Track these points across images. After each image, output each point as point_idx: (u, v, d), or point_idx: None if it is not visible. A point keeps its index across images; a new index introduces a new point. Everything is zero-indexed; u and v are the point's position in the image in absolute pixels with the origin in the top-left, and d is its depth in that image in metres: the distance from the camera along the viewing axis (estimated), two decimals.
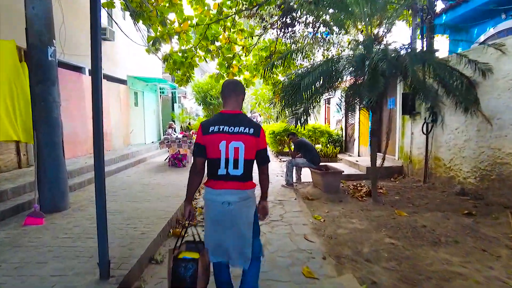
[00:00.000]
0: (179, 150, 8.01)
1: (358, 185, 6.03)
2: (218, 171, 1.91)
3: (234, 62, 8.78)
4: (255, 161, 2.02)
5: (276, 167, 8.69)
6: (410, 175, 6.70)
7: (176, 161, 7.87)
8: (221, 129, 1.89)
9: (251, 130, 1.92)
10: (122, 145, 10.43)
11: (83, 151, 7.98)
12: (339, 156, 9.86)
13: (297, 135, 6.49)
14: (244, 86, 9.69)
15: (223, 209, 1.90)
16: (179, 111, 15.00)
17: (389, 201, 5.02)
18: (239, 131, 1.90)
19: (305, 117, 5.00)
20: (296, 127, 5.34)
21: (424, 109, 5.92)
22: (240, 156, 1.89)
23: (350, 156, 10.10)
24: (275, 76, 9.56)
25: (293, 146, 6.41)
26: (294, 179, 6.40)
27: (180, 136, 8.19)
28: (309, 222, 4.17)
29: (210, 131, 1.90)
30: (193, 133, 11.45)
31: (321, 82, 4.84)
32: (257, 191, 2.07)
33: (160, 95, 15.43)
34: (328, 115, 13.59)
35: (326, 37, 9.12)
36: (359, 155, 9.56)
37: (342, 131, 11.02)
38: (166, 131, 8.64)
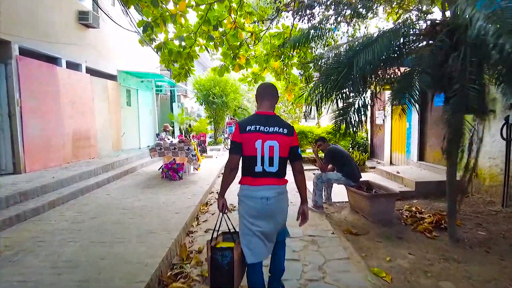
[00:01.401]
0: (174, 159, 6.49)
1: (415, 209, 4.45)
2: (255, 168, 2.02)
3: (241, 51, 7.25)
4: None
5: None
6: (475, 194, 5.10)
7: (170, 172, 6.35)
8: (257, 129, 2.03)
9: (285, 130, 2.08)
10: (111, 150, 8.94)
11: (57, 160, 6.49)
12: (367, 163, 8.29)
13: (327, 140, 4.93)
14: (252, 81, 7.94)
15: (262, 204, 2.02)
16: (179, 111, 13.50)
17: (475, 240, 3.44)
18: (274, 131, 2.05)
19: (359, 116, 3.47)
20: (344, 131, 3.82)
21: (505, 106, 4.35)
22: (275, 154, 2.03)
23: (379, 163, 8.52)
24: (288, 69, 7.99)
25: (322, 156, 4.86)
26: (324, 199, 4.85)
27: (176, 141, 6.66)
28: (369, 284, 2.62)
29: (247, 130, 2.03)
30: (193, 136, 9.94)
31: (380, 60, 3.29)
32: None
33: (158, 94, 13.98)
34: None
35: (334, 32, 7.74)
36: (391, 163, 7.97)
37: (367, 134, 9.43)
38: (159, 135, 7.13)
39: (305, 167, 8.35)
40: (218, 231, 2.20)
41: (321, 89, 3.64)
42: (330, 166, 4.74)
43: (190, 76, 7.97)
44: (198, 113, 14.65)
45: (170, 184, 6.00)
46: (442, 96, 5.76)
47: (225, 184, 2.13)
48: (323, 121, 14.06)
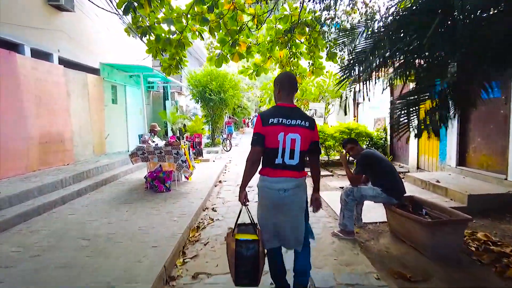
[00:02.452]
0: (160, 166, 5.30)
1: (483, 236, 3.25)
2: (275, 160, 2.02)
3: (242, 38, 6.08)
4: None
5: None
6: None
7: (156, 183, 5.17)
8: (280, 121, 2.00)
9: (307, 123, 2.05)
10: (91, 155, 7.75)
11: (17, 168, 5.29)
12: None
13: (358, 143, 3.72)
14: (254, 74, 6.65)
15: (279, 195, 2.02)
16: (172, 109, 12.30)
17: None
18: (296, 123, 2.02)
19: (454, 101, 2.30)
20: (420, 129, 2.64)
21: None
22: (296, 147, 2.02)
23: (402, 167, 7.34)
24: (296, 60, 6.78)
25: (352, 163, 3.65)
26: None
27: (162, 144, 5.46)
28: None
29: (269, 122, 2.00)
30: (187, 137, 8.76)
31: None
32: None
33: (150, 91, 12.79)
34: (356, 111, 10.84)
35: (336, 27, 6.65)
36: (418, 168, 6.79)
37: (386, 133, 8.26)
38: (143, 136, 5.93)
39: (331, 182, 7.15)
40: (236, 223, 2.22)
41: (382, 53, 2.44)
42: (363, 177, 3.55)
43: (183, 69, 6.74)
44: (194, 111, 13.45)
45: (154, 198, 4.81)
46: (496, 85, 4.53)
47: (248, 177, 2.09)
48: (330, 120, 12.89)
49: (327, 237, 3.49)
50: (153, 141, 5.63)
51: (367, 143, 8.06)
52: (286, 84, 2.14)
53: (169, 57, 5.61)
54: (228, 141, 12.58)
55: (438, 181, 4.82)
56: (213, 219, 4.12)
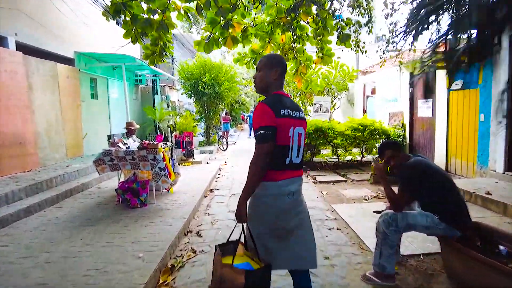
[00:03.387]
0: (135, 174, 4.21)
1: None
2: (286, 159, 1.71)
3: (236, 18, 4.98)
4: None
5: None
6: None
7: (127, 196, 4.08)
8: (289, 113, 1.70)
9: (303, 115, 1.84)
10: (64, 158, 6.66)
11: None
12: None
13: (400, 147, 2.61)
14: (251, 62, 5.70)
15: (288, 201, 1.71)
16: (163, 105, 11.19)
17: None
18: (300, 116, 1.78)
19: None
20: None
21: None
22: (302, 143, 1.79)
23: None
24: (300, 45, 5.67)
25: (393, 178, 2.54)
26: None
27: (134, 147, 4.36)
28: None
29: (281, 114, 1.66)
30: (176, 136, 7.67)
31: None
32: None
33: (138, 85, 11.67)
34: (364, 104, 9.75)
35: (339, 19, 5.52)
36: (448, 172, 5.71)
37: (404, 130, 7.17)
38: (112, 138, 4.81)
39: (323, 177, 6.06)
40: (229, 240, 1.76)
41: None
42: (407, 195, 2.45)
43: (168, 57, 5.66)
44: (188, 107, 12.30)
45: (123, 217, 3.73)
46: None
47: (254, 186, 1.66)
48: (335, 116, 11.81)
49: (356, 281, 2.42)
50: (125, 143, 4.52)
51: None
52: (284, 69, 1.81)
53: (151, 42, 4.50)
54: (224, 139, 11.49)
55: (488, 193, 3.75)
56: (195, 251, 3.04)
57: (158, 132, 8.03)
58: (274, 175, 1.68)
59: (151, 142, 4.17)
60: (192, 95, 11.10)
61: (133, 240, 3.04)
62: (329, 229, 3.53)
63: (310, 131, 6.64)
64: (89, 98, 8.06)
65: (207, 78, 10.10)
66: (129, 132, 5.27)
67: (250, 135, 20.53)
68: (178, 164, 7.61)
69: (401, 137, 7.09)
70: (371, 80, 9.17)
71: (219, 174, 6.84)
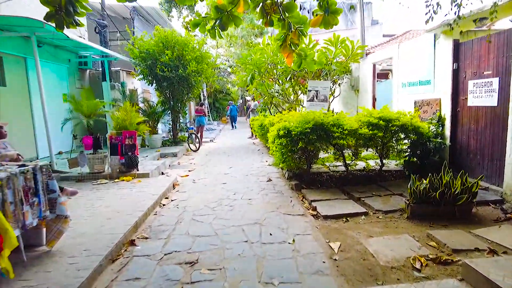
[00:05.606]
0: None
1: None
2: None
3: None
4: None
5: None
6: None
7: None
8: None
9: None
10: None
11: None
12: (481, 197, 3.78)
13: None
14: (217, 27, 3.02)
15: None
16: (114, 94, 8.66)
17: None
18: None
19: None
20: None
21: None
22: None
23: (485, 189, 4.04)
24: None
25: None
26: None
27: None
28: None
29: None
30: (111, 138, 5.26)
31: None
32: None
33: (85, 69, 9.06)
34: (373, 90, 7.47)
35: None
36: None
37: (443, 126, 4.91)
38: None
39: (327, 205, 3.76)
40: None
41: None
42: None
43: (81, 15, 2.97)
44: (145, 96, 9.71)
45: None
46: None
47: None
48: (335, 108, 9.50)
49: None
50: None
51: (414, 143, 4.71)
52: None
53: None
54: (195, 136, 9.06)
55: None
56: None
57: (88, 133, 5.58)
58: None
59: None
60: (154, 81, 8.60)
61: None
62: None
63: (306, 129, 4.31)
64: None
65: (167, 57, 7.60)
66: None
67: (232, 127, 18.13)
68: (116, 179, 5.21)
69: (439, 136, 4.84)
70: (384, 57, 6.86)
71: (167, 197, 4.47)
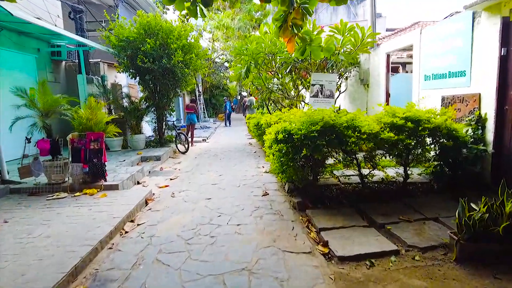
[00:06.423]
0: None
1: None
2: None
3: None
4: None
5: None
6: None
7: None
8: None
9: None
10: None
11: None
12: None
13: None
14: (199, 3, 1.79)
15: None
16: (92, 89, 7.64)
17: None
18: None
19: None
20: None
21: None
22: None
23: None
24: None
25: None
26: None
27: None
28: None
29: None
30: (72, 141, 4.27)
31: None
32: None
33: (60, 61, 8.01)
34: (387, 84, 6.47)
35: None
36: None
37: (483, 129, 3.92)
38: None
39: (340, 237, 2.78)
40: None
41: None
42: None
43: None
44: (131, 92, 8.68)
45: None
46: None
47: None
48: (342, 103, 8.49)
49: None
50: None
51: (437, 148, 3.73)
52: None
53: None
54: (184, 136, 8.05)
55: None
56: None
57: (46, 135, 4.54)
58: None
59: None
60: (137, 74, 7.57)
61: None
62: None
63: (312, 133, 3.32)
64: None
65: (148, 46, 6.56)
66: None
67: (225, 123, 17.15)
68: (78, 191, 4.10)
69: (479, 141, 3.85)
70: (402, 44, 5.84)
71: (132, 220, 3.48)
